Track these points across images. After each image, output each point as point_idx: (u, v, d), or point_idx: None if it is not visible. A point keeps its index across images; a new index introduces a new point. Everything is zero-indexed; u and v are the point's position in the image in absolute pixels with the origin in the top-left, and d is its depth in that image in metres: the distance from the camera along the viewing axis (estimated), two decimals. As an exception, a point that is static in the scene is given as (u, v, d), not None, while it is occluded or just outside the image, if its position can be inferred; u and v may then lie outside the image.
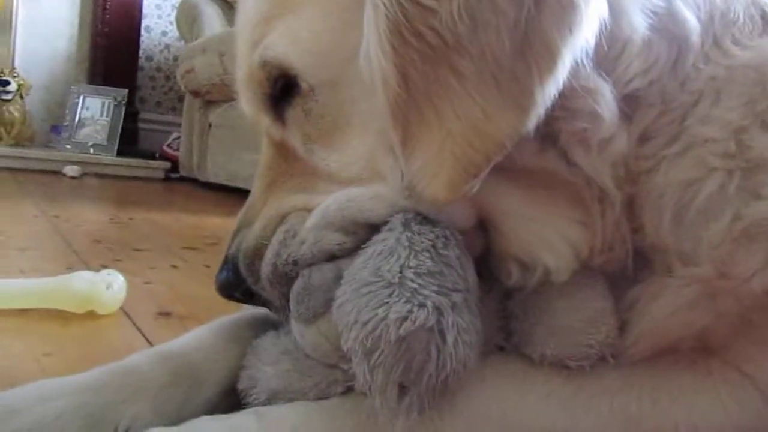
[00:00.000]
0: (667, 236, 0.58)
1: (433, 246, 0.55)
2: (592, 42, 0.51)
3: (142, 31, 4.89)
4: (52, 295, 1.03)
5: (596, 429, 0.57)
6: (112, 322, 1.03)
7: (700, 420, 0.58)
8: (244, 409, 0.59)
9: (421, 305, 0.51)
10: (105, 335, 0.99)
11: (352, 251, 0.58)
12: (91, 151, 4.34)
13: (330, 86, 0.59)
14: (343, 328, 0.52)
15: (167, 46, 5.00)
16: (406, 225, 0.56)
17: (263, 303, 0.65)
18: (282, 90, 0.62)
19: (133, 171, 4.28)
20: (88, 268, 1.29)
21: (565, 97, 0.52)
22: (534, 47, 0.49)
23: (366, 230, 0.58)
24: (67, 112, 4.46)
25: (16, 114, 4.29)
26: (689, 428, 0.57)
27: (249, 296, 0.65)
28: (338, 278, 0.56)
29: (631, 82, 0.56)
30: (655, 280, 0.59)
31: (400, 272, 0.52)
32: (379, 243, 0.56)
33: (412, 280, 0.52)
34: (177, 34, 4.51)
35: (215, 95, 3.69)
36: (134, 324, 1.03)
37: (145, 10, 4.89)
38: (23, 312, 1.01)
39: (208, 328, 0.70)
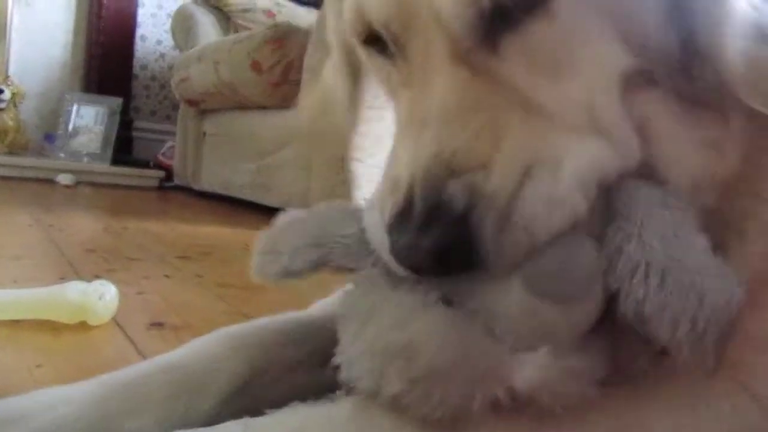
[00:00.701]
0: None
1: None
2: None
3: (137, 40, 4.89)
4: (45, 305, 1.03)
5: None
6: (104, 333, 1.02)
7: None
8: (263, 415, 0.57)
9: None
10: (97, 346, 0.98)
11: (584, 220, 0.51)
12: (85, 159, 4.32)
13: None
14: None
15: (162, 55, 5.00)
16: (664, 202, 0.52)
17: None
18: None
19: (128, 180, 4.26)
20: (80, 278, 1.28)
21: None
22: None
23: (596, 195, 0.52)
24: (61, 120, 4.43)
25: (10, 122, 4.26)
26: None
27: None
28: (599, 258, 0.51)
29: None
30: None
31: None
32: (652, 221, 0.51)
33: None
34: (172, 42, 4.51)
35: (210, 104, 3.69)
36: (126, 335, 1.02)
37: (140, 19, 4.89)
38: (15, 323, 1.01)
39: (209, 338, 0.69)
